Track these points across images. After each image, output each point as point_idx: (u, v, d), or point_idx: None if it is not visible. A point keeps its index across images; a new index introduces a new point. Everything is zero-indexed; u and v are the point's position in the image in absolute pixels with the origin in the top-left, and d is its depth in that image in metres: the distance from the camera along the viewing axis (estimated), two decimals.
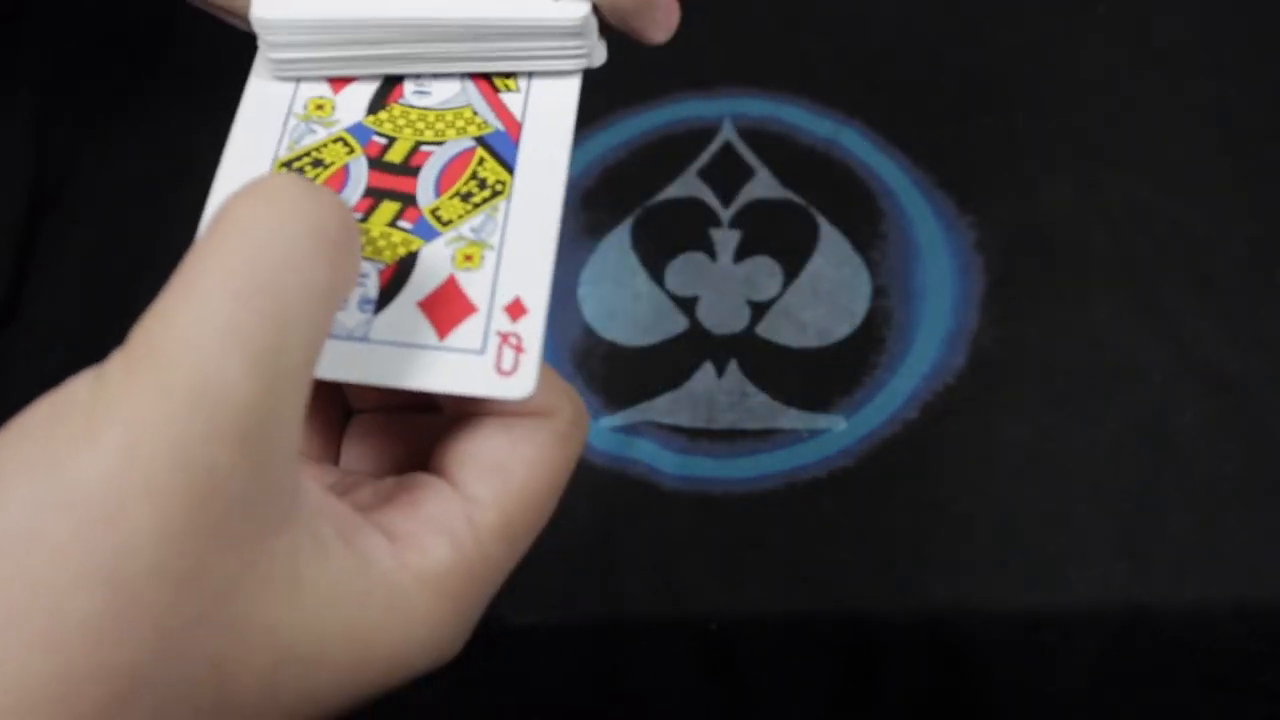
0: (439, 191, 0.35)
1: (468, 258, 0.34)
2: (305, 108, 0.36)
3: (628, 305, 0.57)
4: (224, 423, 0.25)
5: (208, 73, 0.60)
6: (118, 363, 0.26)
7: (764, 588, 0.51)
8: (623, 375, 0.56)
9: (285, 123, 0.36)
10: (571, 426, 0.32)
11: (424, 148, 0.36)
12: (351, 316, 0.33)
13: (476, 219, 0.35)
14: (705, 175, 0.60)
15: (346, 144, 0.36)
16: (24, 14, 0.63)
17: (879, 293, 0.57)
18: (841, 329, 0.56)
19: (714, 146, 0.61)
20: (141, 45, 0.62)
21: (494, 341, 0.33)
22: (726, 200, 0.59)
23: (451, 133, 0.36)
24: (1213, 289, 0.57)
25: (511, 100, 0.37)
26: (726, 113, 0.61)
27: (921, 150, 0.60)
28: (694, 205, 0.59)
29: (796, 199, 0.59)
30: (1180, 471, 0.53)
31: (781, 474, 0.53)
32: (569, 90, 0.37)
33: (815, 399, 0.55)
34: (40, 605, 0.24)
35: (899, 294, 0.57)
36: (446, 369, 0.33)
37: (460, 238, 0.35)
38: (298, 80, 0.36)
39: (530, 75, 0.37)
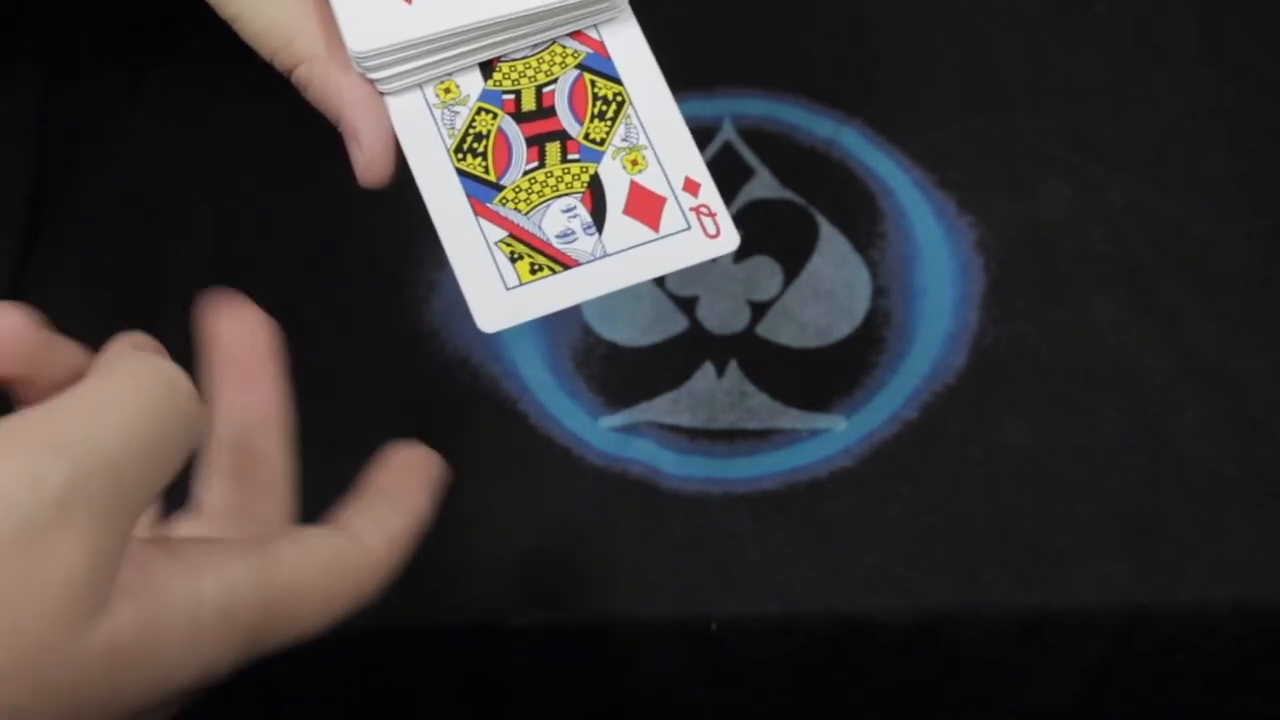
0: (579, 119, 0.42)
1: (634, 162, 0.41)
2: (438, 97, 0.42)
3: (628, 305, 0.57)
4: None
5: (209, 70, 0.60)
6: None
7: (764, 588, 0.51)
8: (623, 375, 0.56)
9: (433, 117, 0.42)
10: (366, 554, 0.36)
11: (545, 89, 0.42)
12: (585, 242, 0.41)
13: (620, 130, 0.41)
14: None
15: (488, 111, 0.42)
16: (24, 11, 0.63)
17: (879, 293, 0.57)
18: (841, 329, 0.56)
19: (714, 146, 0.61)
20: (142, 42, 0.62)
21: (692, 217, 0.41)
22: (726, 200, 0.59)
23: (558, 69, 0.42)
24: (1213, 289, 0.57)
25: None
26: (726, 113, 0.61)
27: (921, 150, 0.60)
28: None
29: (796, 199, 0.59)
30: (1180, 471, 0.53)
31: (781, 474, 0.53)
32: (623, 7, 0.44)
33: (815, 399, 0.55)
34: None
35: (899, 294, 0.57)
36: (672, 251, 0.41)
37: (618, 150, 0.41)
38: (399, 92, 0.42)
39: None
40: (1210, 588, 0.51)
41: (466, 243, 0.41)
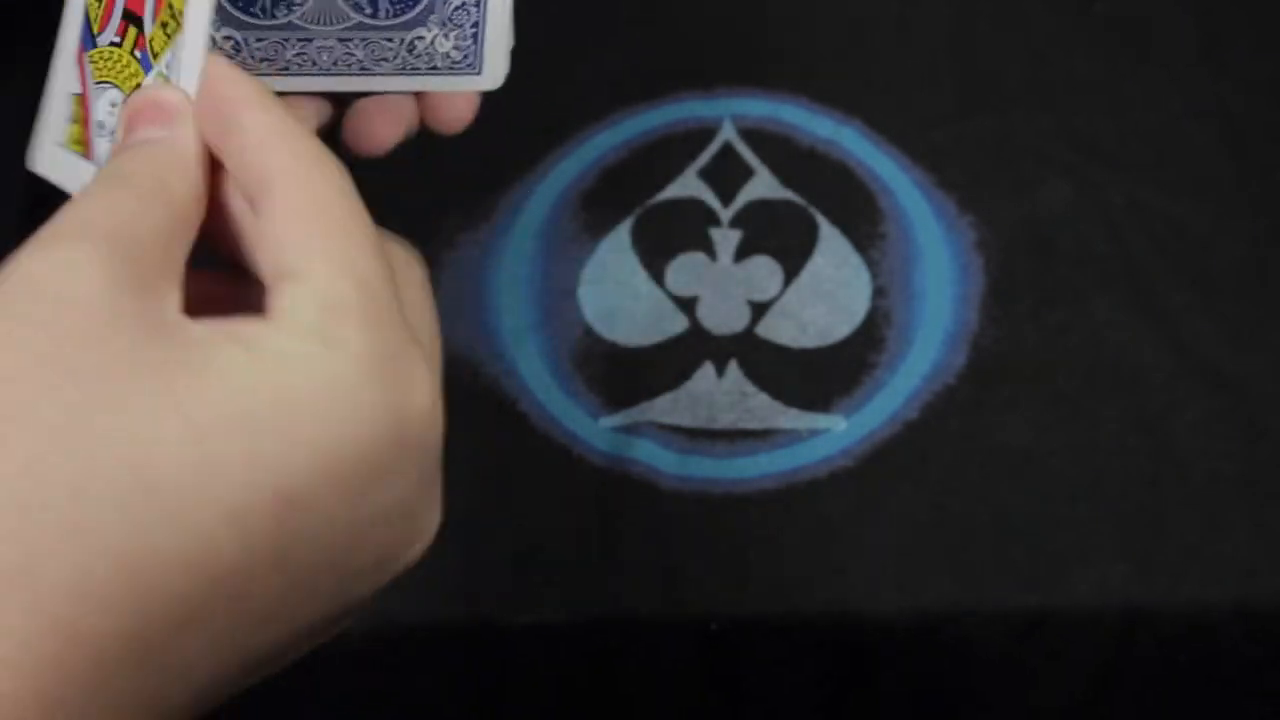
0: (154, 18, 0.37)
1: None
2: None
3: (628, 305, 0.57)
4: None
5: None
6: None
7: (764, 588, 0.51)
8: (623, 375, 0.56)
9: None
10: (332, 167, 0.32)
11: None
12: (106, 146, 0.36)
13: (168, 54, 0.36)
14: (705, 175, 0.60)
15: None
16: (23, 8, 0.63)
17: (879, 293, 0.57)
18: (841, 329, 0.56)
19: (714, 146, 0.61)
20: None
21: None
22: (726, 200, 0.59)
23: None
24: (1213, 289, 0.57)
25: None
26: (726, 113, 0.61)
27: (921, 150, 0.60)
28: (694, 205, 0.59)
29: (796, 199, 0.59)
30: (1180, 471, 0.53)
31: (781, 474, 0.53)
32: None
33: (815, 399, 0.55)
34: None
35: (899, 294, 0.57)
36: None
37: (161, 74, 0.36)
38: None
39: None
40: (1210, 588, 0.51)
41: (60, 78, 0.38)
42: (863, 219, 0.59)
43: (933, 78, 0.62)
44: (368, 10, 0.39)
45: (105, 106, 0.37)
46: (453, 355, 0.56)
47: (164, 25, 0.37)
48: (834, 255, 0.58)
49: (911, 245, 0.58)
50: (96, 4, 0.38)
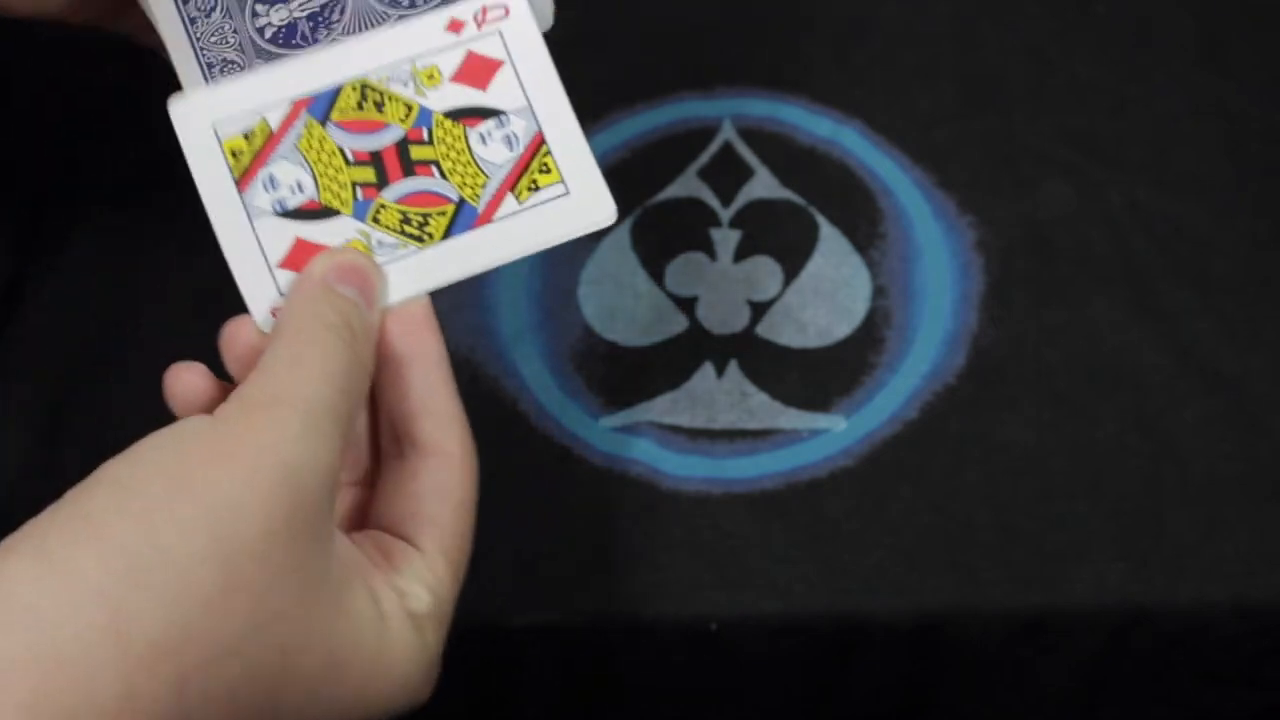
0: (400, 200, 0.39)
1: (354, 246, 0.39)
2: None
3: (628, 305, 0.57)
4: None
5: None
6: (234, 406, 0.34)
7: (764, 588, 0.51)
8: (623, 375, 0.56)
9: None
10: (466, 458, 0.40)
11: (432, 167, 0.39)
12: (264, 194, 0.39)
13: (391, 238, 0.39)
14: (705, 175, 0.60)
15: (410, 110, 0.39)
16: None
17: (879, 293, 0.57)
18: (841, 329, 0.57)
19: (714, 146, 0.61)
20: (139, 47, 0.62)
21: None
22: (726, 200, 0.59)
23: (457, 179, 0.39)
24: (1213, 289, 0.57)
25: (508, 204, 0.40)
26: (726, 113, 0.61)
27: (921, 150, 0.60)
28: (694, 205, 0.59)
29: (796, 199, 0.59)
30: (1180, 471, 0.53)
31: (781, 474, 0.53)
32: (553, 232, 0.42)
33: (815, 399, 0.55)
34: (170, 572, 0.31)
35: (899, 294, 0.57)
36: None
37: (367, 236, 0.39)
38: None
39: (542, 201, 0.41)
40: (1209, 587, 0.51)
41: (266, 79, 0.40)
42: (863, 219, 0.59)
43: (933, 78, 0.63)
44: (405, 1, 0.39)
45: (289, 172, 0.39)
46: (453, 355, 0.56)
47: (409, 222, 0.39)
48: (834, 255, 0.58)
49: (911, 245, 0.58)
50: (357, 98, 0.39)
